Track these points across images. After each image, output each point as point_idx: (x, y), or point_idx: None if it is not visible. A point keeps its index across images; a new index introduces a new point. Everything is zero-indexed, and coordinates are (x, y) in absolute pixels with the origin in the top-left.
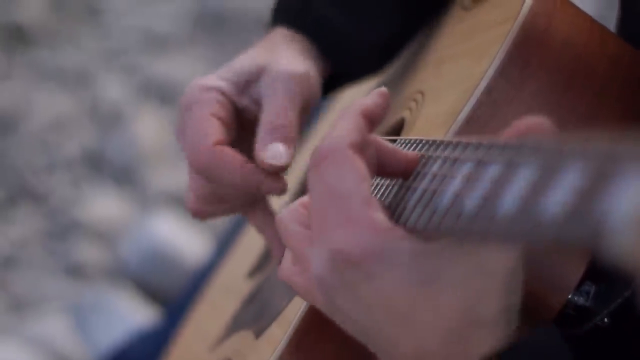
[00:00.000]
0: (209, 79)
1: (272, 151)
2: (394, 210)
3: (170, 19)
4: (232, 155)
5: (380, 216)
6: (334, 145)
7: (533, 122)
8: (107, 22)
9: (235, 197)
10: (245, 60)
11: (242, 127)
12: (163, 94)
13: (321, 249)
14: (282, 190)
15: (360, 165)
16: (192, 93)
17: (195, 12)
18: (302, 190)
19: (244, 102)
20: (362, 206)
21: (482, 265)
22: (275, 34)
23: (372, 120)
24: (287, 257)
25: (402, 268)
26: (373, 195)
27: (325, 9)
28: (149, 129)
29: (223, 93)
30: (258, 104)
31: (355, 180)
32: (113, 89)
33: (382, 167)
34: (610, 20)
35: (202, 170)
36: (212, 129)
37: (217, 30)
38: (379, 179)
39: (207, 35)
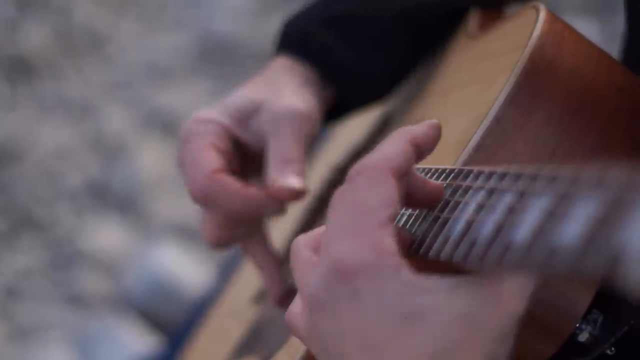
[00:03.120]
0: (207, 113)
1: (288, 181)
2: (422, 240)
3: (173, 51)
4: (230, 181)
5: (389, 242)
6: (375, 163)
7: None
8: (110, 55)
9: (236, 225)
10: (242, 96)
11: (243, 160)
12: (166, 126)
13: (322, 263)
14: (282, 210)
15: (393, 192)
16: (190, 126)
17: (198, 44)
18: (308, 221)
19: (245, 135)
20: (377, 227)
21: (472, 316)
22: (276, 64)
23: (420, 150)
24: (296, 300)
25: (390, 295)
26: (399, 224)
27: (328, 39)
28: (152, 160)
29: (222, 126)
30: (259, 138)
31: (382, 203)
32: (116, 121)
33: (410, 197)
34: (612, 51)
35: (201, 198)
36: (209, 158)
37: (220, 63)
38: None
39: (210, 68)
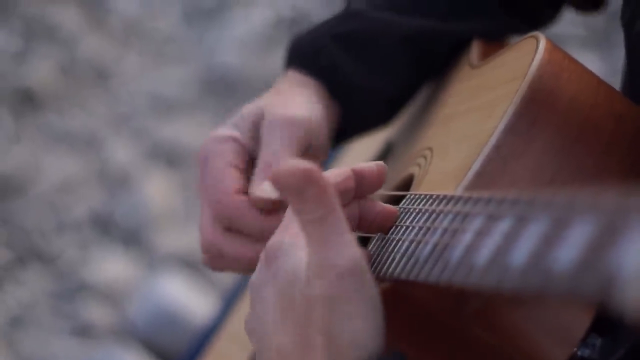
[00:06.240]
0: (222, 129)
1: (262, 187)
2: (376, 261)
3: (177, 83)
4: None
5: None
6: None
7: None
8: (115, 87)
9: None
10: (254, 105)
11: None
12: (170, 158)
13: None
14: None
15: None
16: (207, 146)
17: (202, 77)
18: None
19: (254, 146)
20: None
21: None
22: (287, 78)
23: (360, 176)
24: None
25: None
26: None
27: (338, 58)
28: (157, 191)
29: (237, 140)
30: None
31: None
32: (121, 153)
33: (363, 220)
34: (613, 85)
35: (224, 219)
36: (230, 178)
37: (223, 95)
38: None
39: (214, 100)
